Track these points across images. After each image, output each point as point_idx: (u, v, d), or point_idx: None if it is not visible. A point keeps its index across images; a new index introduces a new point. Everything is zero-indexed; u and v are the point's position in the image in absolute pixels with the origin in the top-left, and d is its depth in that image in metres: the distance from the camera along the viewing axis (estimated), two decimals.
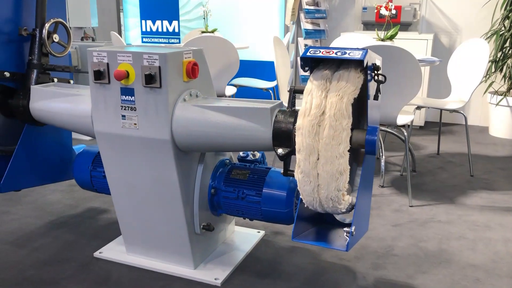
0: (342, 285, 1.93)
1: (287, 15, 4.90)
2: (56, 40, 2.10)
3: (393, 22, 4.74)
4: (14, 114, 2.08)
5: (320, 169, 1.39)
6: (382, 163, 3.15)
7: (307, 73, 1.48)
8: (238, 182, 1.97)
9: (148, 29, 6.10)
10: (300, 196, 1.52)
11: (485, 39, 4.35)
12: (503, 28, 4.23)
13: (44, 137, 2.24)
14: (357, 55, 1.37)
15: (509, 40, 4.18)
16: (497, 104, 4.27)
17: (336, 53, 1.39)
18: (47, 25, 2.07)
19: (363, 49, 1.41)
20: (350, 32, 4.90)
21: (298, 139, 1.40)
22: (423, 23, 4.81)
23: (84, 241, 2.29)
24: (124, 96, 1.75)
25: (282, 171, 1.70)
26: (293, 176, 1.68)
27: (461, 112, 3.23)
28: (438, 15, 4.81)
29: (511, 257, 2.16)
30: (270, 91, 4.28)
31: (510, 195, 2.94)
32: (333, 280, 1.97)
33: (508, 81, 4.30)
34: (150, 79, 1.66)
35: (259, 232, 2.38)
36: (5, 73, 2.01)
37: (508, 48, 4.22)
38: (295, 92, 1.64)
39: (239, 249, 2.20)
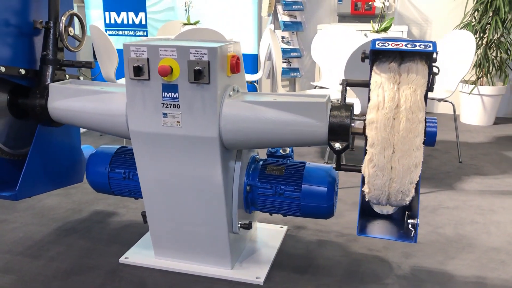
0: (381, 275, 1.96)
1: (264, 7, 4.87)
2: (71, 34, 1.95)
3: (368, 14, 4.84)
4: (29, 115, 1.91)
5: (395, 162, 1.38)
6: None
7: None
8: (274, 178, 1.93)
9: (113, 21, 5.83)
10: (365, 190, 1.51)
11: (459, 30, 4.54)
12: (473, 20, 4.43)
13: (55, 138, 2.08)
14: (428, 47, 1.37)
15: (479, 32, 4.38)
16: (470, 93, 4.48)
17: (406, 45, 1.39)
18: (63, 18, 1.91)
19: (428, 41, 1.42)
20: (326, 24, 4.95)
21: (372, 133, 1.39)
22: (396, 16, 4.94)
23: (101, 247, 2.17)
24: (166, 93, 1.66)
25: (334, 165, 1.68)
26: (346, 170, 1.67)
27: (450, 101, 3.35)
28: (409, 7, 4.96)
29: None
30: (255, 84, 4.24)
31: (501, 179, 3.10)
32: (370, 271, 1.99)
33: (477, 71, 4.51)
34: (199, 75, 1.58)
35: (282, 227, 2.35)
36: (20, 70, 1.84)
37: (478, 39, 4.43)
38: (348, 85, 1.63)
39: (268, 245, 2.17)
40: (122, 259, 2.04)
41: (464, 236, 2.30)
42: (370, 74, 1.48)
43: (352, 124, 1.57)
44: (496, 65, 4.47)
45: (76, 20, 2.00)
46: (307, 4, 5.09)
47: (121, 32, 5.83)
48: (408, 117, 1.34)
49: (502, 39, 4.38)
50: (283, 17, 4.79)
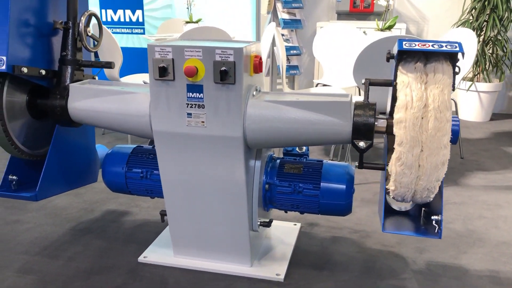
0: (397, 271, 2.00)
1: (263, 5, 4.89)
2: (89, 34, 1.95)
3: (366, 12, 4.89)
4: (47, 115, 1.91)
5: (423, 160, 1.42)
6: None
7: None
8: (293, 176, 1.96)
9: (109, 19, 5.79)
10: (390, 188, 1.54)
11: (456, 27, 4.61)
12: (471, 18, 4.50)
13: (72, 138, 2.08)
14: (454, 48, 1.41)
15: (476, 29, 4.45)
16: (467, 90, 4.55)
17: (432, 46, 1.42)
18: (83, 18, 1.91)
19: (453, 42, 1.45)
20: (325, 22, 4.98)
21: (400, 132, 1.42)
22: (394, 14, 4.98)
23: (118, 246, 2.17)
24: (190, 93, 1.67)
25: (356, 164, 1.71)
26: (368, 168, 1.71)
27: (452, 98, 3.40)
28: (406, 5, 5.00)
29: None
30: None
31: (503, 174, 3.17)
32: (387, 267, 2.03)
33: (475, 68, 4.58)
34: (224, 75, 1.60)
35: (295, 224, 2.38)
36: (41, 70, 1.83)
37: (475, 36, 4.49)
38: (371, 84, 1.66)
39: (284, 243, 2.19)
40: (141, 258, 2.05)
41: (473, 231, 2.35)
42: (395, 74, 1.51)
43: (376, 123, 1.60)
44: (492, 62, 4.55)
45: (93, 20, 2.00)
46: (306, 2, 5.11)
47: (118, 30, 5.79)
48: (436, 116, 1.38)
49: (499, 37, 4.45)
50: (283, 15, 4.80)
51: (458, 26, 4.54)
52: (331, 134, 1.64)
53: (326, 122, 1.63)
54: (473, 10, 4.49)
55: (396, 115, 1.43)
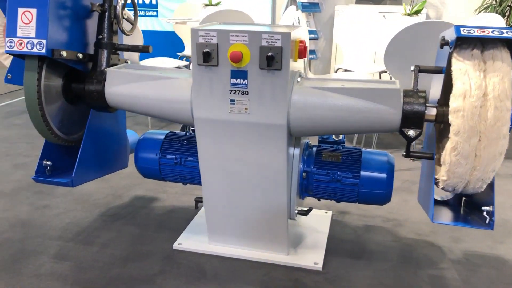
0: (435, 260, 1.98)
1: None
2: (125, 17, 1.90)
3: None
4: (81, 100, 1.88)
5: (480, 151, 1.38)
6: None
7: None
8: (331, 164, 1.93)
9: None
10: (442, 178, 1.51)
11: (477, 13, 4.53)
12: (494, 3, 4.41)
13: (105, 123, 2.05)
14: None
15: (500, 14, 4.36)
16: None
17: (492, 32, 1.37)
18: (120, 1, 1.86)
19: (510, 28, 1.40)
20: (343, 6, 4.90)
21: (458, 121, 1.38)
22: None
23: (150, 233, 2.16)
24: (234, 80, 1.63)
25: (404, 153, 1.67)
26: (417, 158, 1.67)
27: None
28: None
29: None
30: None
31: None
32: (424, 256, 2.01)
33: None
34: (271, 61, 1.56)
35: (327, 212, 2.36)
36: (78, 54, 1.79)
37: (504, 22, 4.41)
38: (421, 71, 1.61)
39: (318, 231, 2.17)
40: (175, 245, 2.03)
41: (507, 221, 2.33)
42: (449, 61, 1.47)
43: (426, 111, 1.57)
44: None
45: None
46: None
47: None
48: (496, 106, 1.34)
49: None
50: None
51: (480, 11, 4.46)
52: (379, 122, 1.61)
53: (375, 110, 1.59)
54: None
55: (453, 104, 1.39)
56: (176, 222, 2.25)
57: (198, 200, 2.06)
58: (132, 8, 1.99)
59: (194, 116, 1.73)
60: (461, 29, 1.40)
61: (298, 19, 4.78)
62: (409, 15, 3.38)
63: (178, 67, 3.69)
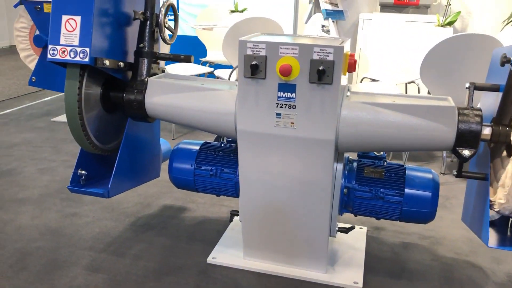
0: (479, 282, 1.91)
1: None
2: (166, 26, 1.86)
3: (411, 5, 4.73)
4: (119, 109, 1.84)
5: None
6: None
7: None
8: (374, 181, 1.87)
9: None
10: (500, 201, 1.45)
11: (506, 24, 4.46)
12: None
13: (141, 133, 2.01)
14: None
15: None
16: None
17: None
18: (162, 9, 1.82)
19: None
20: (368, 13, 4.84)
21: None
22: (439, 7, 4.82)
23: (183, 245, 2.11)
24: (281, 93, 1.58)
25: (455, 172, 1.61)
26: (469, 177, 1.61)
27: None
28: None
29: None
30: None
31: None
32: (467, 277, 1.94)
33: None
34: (322, 75, 1.51)
35: (361, 228, 2.30)
36: (119, 63, 1.75)
37: None
38: (476, 88, 1.55)
39: (354, 248, 2.12)
40: (210, 259, 1.98)
41: None
42: (511, 81, 1.41)
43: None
44: None
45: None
46: None
47: None
48: None
49: None
50: (325, 5, 4.66)
51: (509, 23, 4.39)
52: (432, 140, 1.55)
53: (428, 128, 1.54)
54: None
55: None
56: (208, 234, 2.20)
57: (234, 214, 2.02)
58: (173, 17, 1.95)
59: (237, 129, 1.68)
60: None
61: (322, 27, 4.74)
62: (442, 26, 3.32)
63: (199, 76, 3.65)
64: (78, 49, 1.62)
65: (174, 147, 2.11)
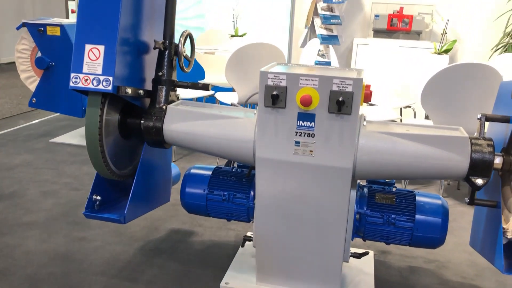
0: None
1: (302, 19, 4.87)
2: (184, 54, 1.90)
3: (403, 31, 4.88)
4: (142, 135, 1.86)
5: None
6: None
7: None
8: (385, 207, 1.91)
9: None
10: (511, 228, 1.51)
11: (494, 51, 4.62)
12: (511, 41, 4.50)
13: (155, 158, 2.03)
14: None
15: None
16: None
17: None
18: (181, 39, 1.87)
19: None
20: (361, 38, 4.97)
21: None
22: (431, 34, 4.97)
23: (194, 269, 2.12)
24: (301, 122, 1.63)
25: (467, 200, 1.67)
26: (481, 205, 1.67)
27: None
28: (441, 24, 5.00)
29: None
30: None
31: None
32: None
33: None
34: (342, 105, 1.56)
35: (367, 250, 2.33)
36: (139, 91, 1.78)
37: None
38: (487, 120, 1.62)
39: (363, 272, 2.15)
40: (223, 284, 1.99)
41: None
42: None
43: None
44: None
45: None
46: (342, 18, 5.10)
47: None
48: None
49: None
50: (320, 30, 4.79)
51: (498, 49, 4.55)
52: (446, 169, 1.61)
53: (442, 157, 1.60)
54: None
55: None
56: (218, 258, 2.22)
57: (247, 239, 2.04)
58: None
59: (256, 156, 1.72)
60: None
61: (318, 51, 4.85)
62: (439, 53, 3.44)
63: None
64: (101, 78, 1.65)
65: (186, 172, 2.14)
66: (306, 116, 1.63)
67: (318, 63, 4.79)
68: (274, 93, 1.60)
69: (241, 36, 3.98)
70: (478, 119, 1.62)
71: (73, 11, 4.52)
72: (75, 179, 3.12)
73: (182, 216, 2.63)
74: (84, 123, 1.72)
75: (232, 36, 3.96)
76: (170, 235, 2.44)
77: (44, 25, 3.48)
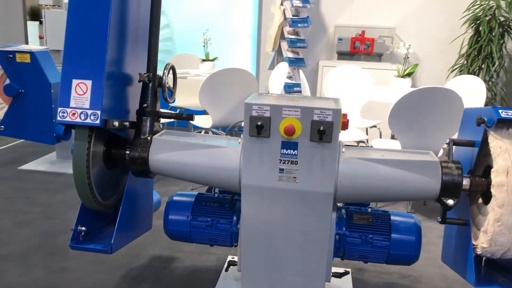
0: None
1: (268, 43, 5.01)
2: (167, 86, 1.96)
3: (366, 53, 5.10)
4: (127, 166, 1.89)
5: None
6: None
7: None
8: (363, 227, 2.02)
9: None
10: (482, 245, 1.63)
11: (451, 72, 4.90)
12: (465, 63, 4.79)
13: (138, 187, 2.06)
14: None
15: (470, 73, 4.74)
16: None
17: None
18: (165, 71, 1.93)
19: None
20: (326, 61, 5.16)
21: (502, 195, 1.52)
22: (392, 56, 5.21)
23: None
24: (284, 150, 1.72)
25: (439, 219, 1.79)
26: (452, 223, 1.79)
27: None
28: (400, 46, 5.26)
29: None
30: None
31: None
32: None
33: None
34: (322, 134, 1.66)
35: (346, 270, 2.42)
36: (125, 123, 1.82)
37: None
38: (455, 144, 1.76)
39: None
40: None
41: None
42: (485, 138, 1.62)
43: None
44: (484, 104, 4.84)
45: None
46: (307, 41, 5.28)
47: None
48: None
49: (490, 82, 4.76)
50: (288, 54, 4.94)
51: (453, 70, 4.83)
52: (420, 191, 1.73)
53: (416, 180, 1.72)
54: (466, 55, 4.78)
55: (496, 179, 1.54)
56: (202, 284, 2.25)
57: (231, 263, 2.09)
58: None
59: (241, 183, 1.78)
60: (500, 111, 1.57)
61: (288, 73, 4.98)
62: (402, 77, 3.63)
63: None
64: (89, 112, 1.68)
65: (169, 200, 2.17)
66: (289, 145, 1.71)
67: (286, 85, 4.93)
68: (259, 123, 1.68)
69: (212, 60, 4.06)
70: (446, 144, 1.75)
71: (41, 37, 4.48)
72: (49, 207, 3.08)
73: (162, 242, 2.65)
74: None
75: (203, 60, 4.03)
76: (151, 261, 2.46)
77: (13, 52, 3.45)
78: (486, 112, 1.64)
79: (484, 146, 1.67)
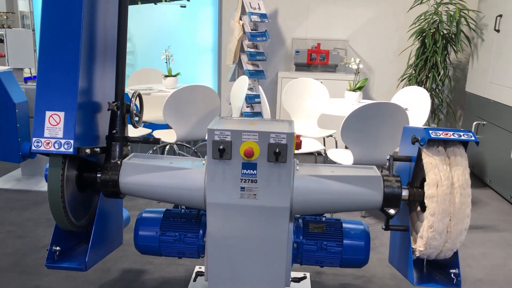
0: None
1: (229, 56, 5.19)
2: (135, 112, 2.11)
3: (322, 64, 5.36)
4: (99, 188, 2.02)
5: (451, 228, 1.76)
6: None
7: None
8: (318, 235, 2.22)
9: None
10: (420, 249, 1.87)
11: (401, 81, 5.23)
12: (413, 72, 5.13)
13: (109, 206, 2.19)
14: (470, 137, 1.79)
15: (418, 83, 5.08)
16: None
17: (453, 135, 1.79)
18: (133, 99, 2.07)
19: (466, 131, 1.83)
20: (285, 72, 5.39)
21: (433, 205, 1.76)
22: (346, 67, 5.50)
23: None
24: (245, 170, 1.90)
25: (383, 226, 2.02)
26: (394, 230, 2.03)
27: None
28: (353, 56, 5.56)
29: None
30: None
31: None
32: None
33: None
34: (278, 156, 1.86)
35: (304, 274, 2.63)
36: (96, 149, 1.96)
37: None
38: (395, 160, 1.99)
39: None
40: None
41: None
42: (420, 155, 1.86)
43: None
44: (431, 110, 5.19)
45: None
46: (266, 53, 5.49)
47: None
48: (461, 193, 1.74)
49: (437, 89, 5.12)
50: (248, 66, 5.13)
51: (403, 80, 5.15)
52: (365, 203, 1.95)
53: (361, 193, 1.94)
54: (414, 66, 5.12)
55: (428, 191, 1.77)
56: None
57: (199, 274, 2.25)
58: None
59: (206, 201, 1.96)
60: (430, 132, 1.81)
61: (249, 85, 5.17)
62: (354, 90, 3.89)
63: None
64: (63, 141, 1.81)
65: (138, 216, 2.31)
66: (249, 166, 1.90)
67: (248, 96, 5.12)
68: (221, 147, 1.86)
69: (175, 76, 4.20)
70: (387, 159, 1.99)
71: (1, 55, 4.49)
72: (18, 226, 3.14)
73: (131, 256, 2.78)
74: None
75: (166, 76, 4.17)
76: (123, 275, 2.58)
77: None
78: (420, 132, 1.87)
79: (419, 161, 1.91)
